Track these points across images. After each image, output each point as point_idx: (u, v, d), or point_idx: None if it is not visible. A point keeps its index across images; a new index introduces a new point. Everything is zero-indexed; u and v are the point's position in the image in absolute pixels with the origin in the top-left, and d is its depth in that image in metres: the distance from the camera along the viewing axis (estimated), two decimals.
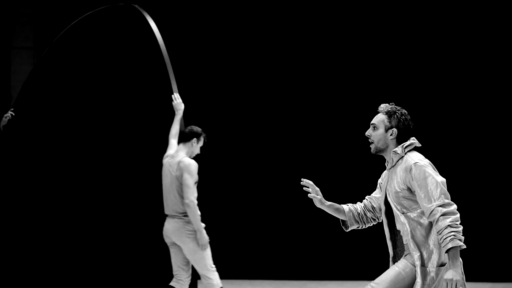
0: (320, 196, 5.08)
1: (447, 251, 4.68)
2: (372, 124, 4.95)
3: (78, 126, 8.47)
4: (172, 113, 7.84)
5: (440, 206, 4.71)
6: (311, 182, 5.07)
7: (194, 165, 7.28)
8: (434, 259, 4.81)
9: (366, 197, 5.25)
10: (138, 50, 8.47)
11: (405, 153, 4.90)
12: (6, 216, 8.22)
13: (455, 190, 10.28)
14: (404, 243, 4.91)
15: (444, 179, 4.80)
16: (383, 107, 4.97)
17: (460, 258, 4.70)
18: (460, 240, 4.66)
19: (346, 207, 5.19)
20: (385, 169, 5.05)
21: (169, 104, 7.90)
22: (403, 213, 4.85)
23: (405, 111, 4.96)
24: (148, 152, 8.31)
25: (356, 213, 5.18)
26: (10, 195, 8.26)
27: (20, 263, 8.31)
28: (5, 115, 7.83)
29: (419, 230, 4.83)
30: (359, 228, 5.24)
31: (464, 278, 4.77)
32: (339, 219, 5.22)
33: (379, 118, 4.94)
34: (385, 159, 5.02)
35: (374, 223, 5.24)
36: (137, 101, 8.47)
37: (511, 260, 10.79)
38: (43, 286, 8.35)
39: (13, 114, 8.01)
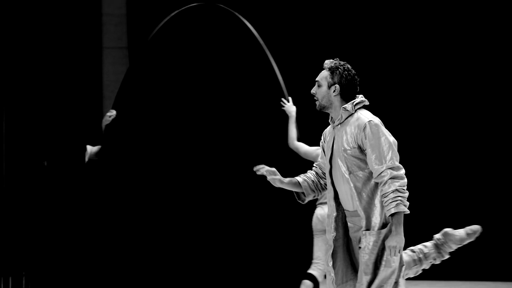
0: (278, 175, 4.91)
1: (391, 215, 4.54)
2: (316, 81, 4.83)
3: (178, 124, 8.49)
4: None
5: (390, 168, 4.58)
6: (264, 167, 4.87)
7: None
8: (378, 222, 4.65)
9: (315, 164, 5.06)
10: (231, 48, 8.46)
11: (355, 110, 4.76)
12: (111, 216, 8.26)
13: (458, 189, 10.37)
14: (350, 208, 4.74)
15: (396, 140, 4.67)
16: (327, 63, 4.83)
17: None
18: (405, 206, 4.53)
19: (299, 178, 4.99)
20: (324, 129, 4.96)
21: (267, 101, 7.92)
22: (350, 172, 4.69)
23: (349, 66, 4.81)
24: (253, 153, 8.37)
25: (311, 181, 4.99)
26: (116, 193, 8.31)
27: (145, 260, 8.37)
28: (109, 114, 7.81)
29: (365, 191, 4.67)
30: (315, 197, 5.03)
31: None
32: (294, 193, 5.05)
33: (323, 75, 4.82)
34: (328, 117, 4.88)
35: None
36: (236, 99, 8.46)
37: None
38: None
39: (115, 113, 8.03)
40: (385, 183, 4.58)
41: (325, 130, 4.98)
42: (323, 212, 7.54)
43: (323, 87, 4.80)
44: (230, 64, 8.47)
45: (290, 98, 7.91)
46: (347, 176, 4.68)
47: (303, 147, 7.79)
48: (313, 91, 4.84)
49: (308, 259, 7.66)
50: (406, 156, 9.61)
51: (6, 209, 6.51)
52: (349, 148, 4.70)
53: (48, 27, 6.66)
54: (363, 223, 4.66)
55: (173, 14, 8.63)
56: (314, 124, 7.99)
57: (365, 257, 4.66)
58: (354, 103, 4.76)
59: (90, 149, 7.92)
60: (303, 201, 5.05)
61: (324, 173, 4.97)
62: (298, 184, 4.97)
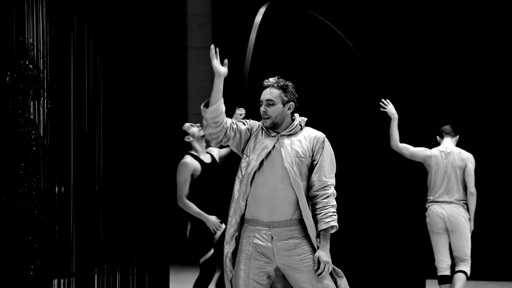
0: (223, 66, 4.75)
1: (325, 229, 4.70)
2: (268, 100, 4.83)
3: None
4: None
5: (333, 185, 4.78)
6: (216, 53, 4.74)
7: (472, 156, 8.06)
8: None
9: (235, 120, 4.94)
10: (321, 49, 8.39)
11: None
12: None
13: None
14: (281, 218, 4.71)
15: None
16: (274, 81, 4.89)
17: None
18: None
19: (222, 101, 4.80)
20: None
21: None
22: (302, 180, 4.75)
23: (292, 84, 4.94)
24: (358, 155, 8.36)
25: (224, 113, 4.81)
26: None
27: None
28: (239, 112, 7.60)
29: (308, 201, 4.76)
30: (210, 124, 4.77)
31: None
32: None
33: (275, 93, 4.85)
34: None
35: (221, 136, 4.82)
36: (334, 101, 8.40)
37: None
38: None
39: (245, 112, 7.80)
40: (327, 196, 4.74)
41: (256, 124, 4.95)
42: (445, 212, 7.89)
43: (278, 104, 4.85)
44: (324, 65, 8.40)
45: (388, 101, 7.90)
46: (298, 182, 4.73)
47: (408, 149, 7.99)
48: (263, 109, 4.86)
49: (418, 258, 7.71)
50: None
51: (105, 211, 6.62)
52: (304, 157, 4.78)
53: (132, 28, 6.73)
54: (310, 229, 4.72)
55: (261, 16, 8.58)
56: (414, 124, 7.97)
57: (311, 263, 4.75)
58: (304, 120, 4.93)
59: (219, 151, 7.81)
60: (205, 106, 4.80)
61: (237, 126, 4.88)
62: (220, 95, 4.79)
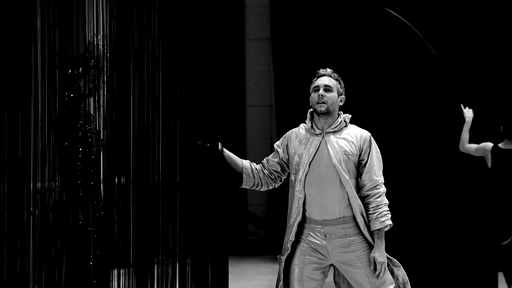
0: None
1: (379, 229, 4.68)
2: (327, 86, 4.83)
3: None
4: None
5: (383, 183, 4.78)
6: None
7: None
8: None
9: (265, 159, 5.09)
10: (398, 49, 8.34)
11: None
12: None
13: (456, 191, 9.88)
14: (333, 216, 4.72)
15: None
16: (330, 72, 4.91)
17: None
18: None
19: (244, 160, 5.12)
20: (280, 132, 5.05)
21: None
22: (351, 178, 4.75)
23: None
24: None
25: (254, 168, 5.07)
26: None
27: None
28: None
29: (359, 198, 4.75)
30: (253, 186, 5.09)
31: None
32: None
33: (333, 82, 4.87)
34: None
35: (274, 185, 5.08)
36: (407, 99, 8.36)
37: None
38: None
39: None
40: (380, 195, 4.74)
41: (290, 134, 5.01)
42: None
43: (334, 93, 4.87)
44: (398, 64, 8.37)
45: (463, 106, 7.93)
46: (347, 179, 4.73)
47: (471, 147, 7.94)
48: (322, 93, 4.86)
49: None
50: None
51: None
52: (352, 154, 4.77)
53: (191, 19, 6.78)
54: (362, 226, 4.72)
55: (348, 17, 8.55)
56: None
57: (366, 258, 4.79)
58: (349, 117, 4.91)
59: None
60: (240, 184, 5.14)
61: (275, 170, 5.04)
62: (238, 164, 5.11)
